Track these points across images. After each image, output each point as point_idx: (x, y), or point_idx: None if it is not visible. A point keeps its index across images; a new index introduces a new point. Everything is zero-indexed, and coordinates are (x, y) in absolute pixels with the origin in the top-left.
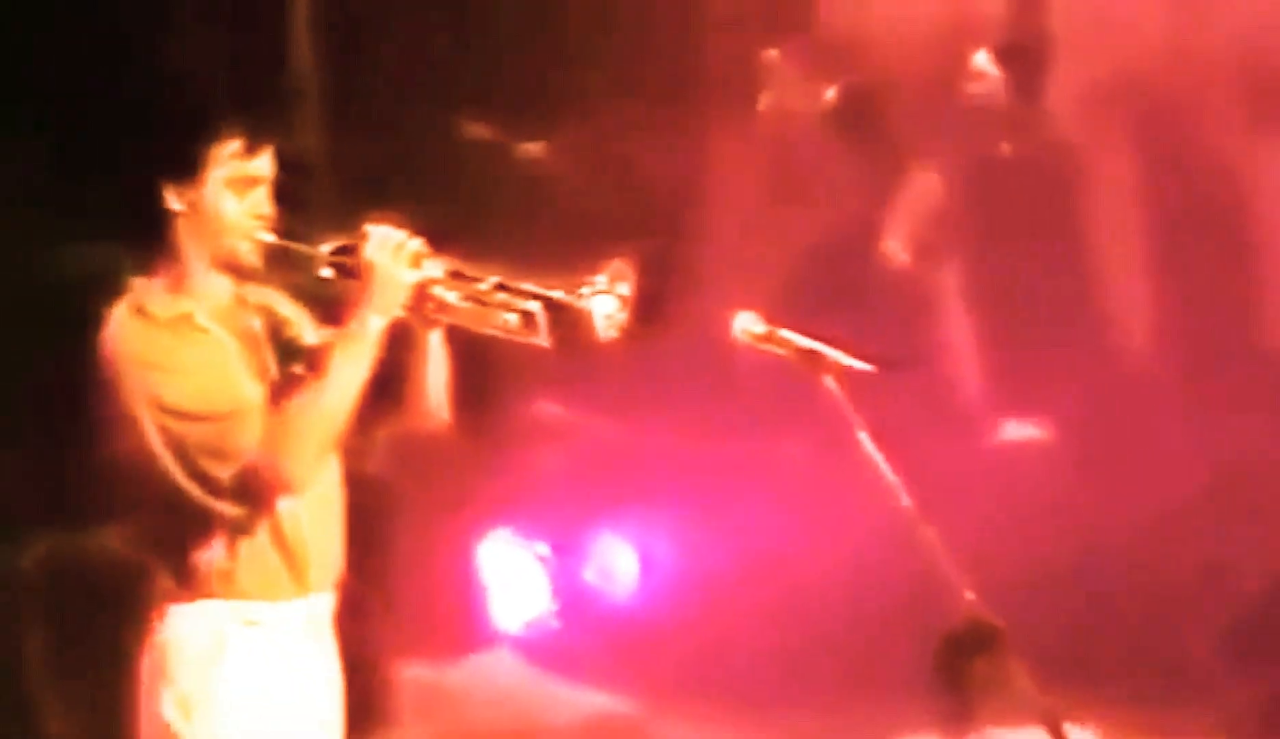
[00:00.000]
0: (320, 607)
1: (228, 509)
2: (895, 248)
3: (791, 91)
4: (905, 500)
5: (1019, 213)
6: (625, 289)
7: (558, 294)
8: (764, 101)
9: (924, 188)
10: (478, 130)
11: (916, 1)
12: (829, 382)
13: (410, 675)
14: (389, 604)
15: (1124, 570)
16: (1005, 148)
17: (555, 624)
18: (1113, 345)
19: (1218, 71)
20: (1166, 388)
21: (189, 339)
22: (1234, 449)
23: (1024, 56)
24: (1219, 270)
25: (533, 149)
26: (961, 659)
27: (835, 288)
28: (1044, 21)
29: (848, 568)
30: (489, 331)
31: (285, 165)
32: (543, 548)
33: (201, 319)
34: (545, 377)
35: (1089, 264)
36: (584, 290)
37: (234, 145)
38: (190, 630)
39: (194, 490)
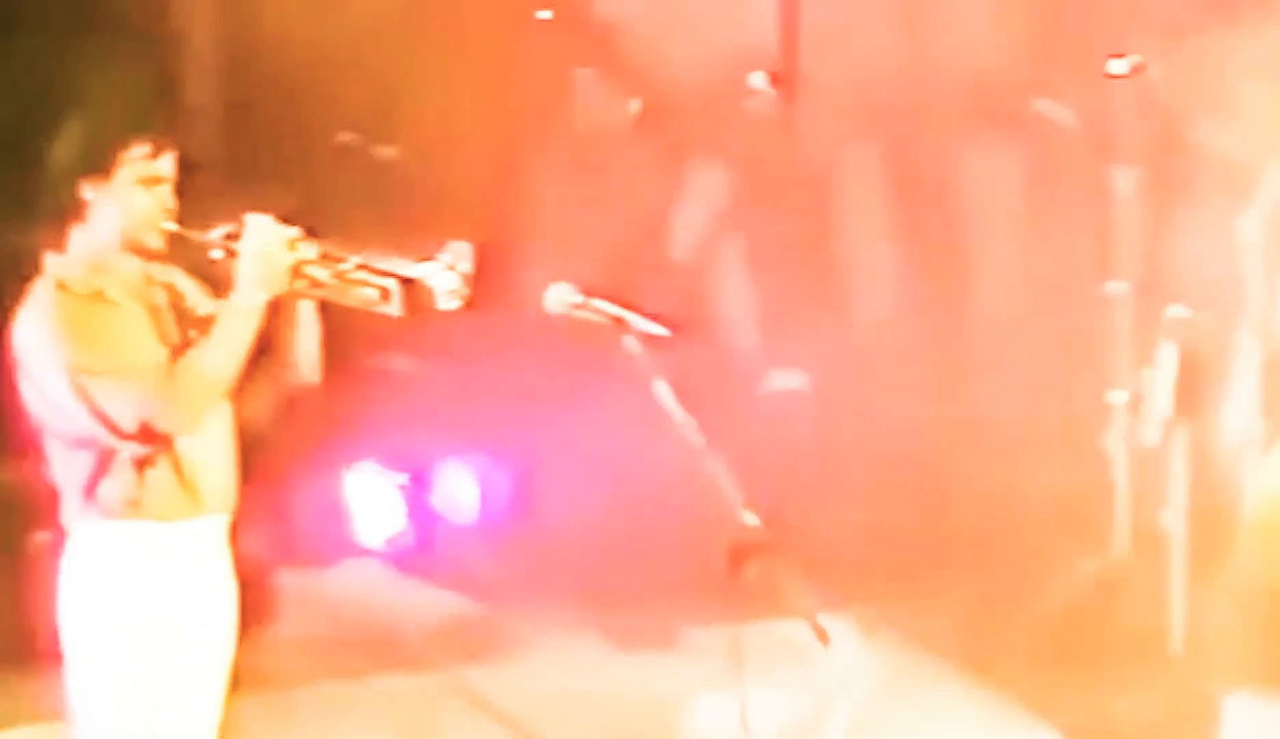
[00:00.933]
0: (214, 526)
1: (133, 448)
2: (687, 232)
3: (602, 105)
4: (695, 438)
5: (784, 203)
6: (463, 267)
7: (407, 272)
8: (579, 114)
9: (709, 183)
10: (344, 137)
11: (703, 33)
12: (631, 342)
13: (291, 581)
14: (274, 524)
15: (867, 490)
16: (773, 150)
17: (410, 540)
18: (857, 310)
19: (940, 86)
20: (900, 345)
21: (102, 309)
22: (951, 394)
23: (788, 77)
24: (942, 248)
25: (388, 152)
26: (741, 564)
27: (637, 265)
28: (802, 45)
29: (649, 493)
30: (353, 303)
31: (185, 166)
32: (400, 478)
33: (113, 293)
34: (400, 339)
35: (839, 244)
36: (429, 268)
37: (142, 149)
38: (100, 549)
39: (104, 433)
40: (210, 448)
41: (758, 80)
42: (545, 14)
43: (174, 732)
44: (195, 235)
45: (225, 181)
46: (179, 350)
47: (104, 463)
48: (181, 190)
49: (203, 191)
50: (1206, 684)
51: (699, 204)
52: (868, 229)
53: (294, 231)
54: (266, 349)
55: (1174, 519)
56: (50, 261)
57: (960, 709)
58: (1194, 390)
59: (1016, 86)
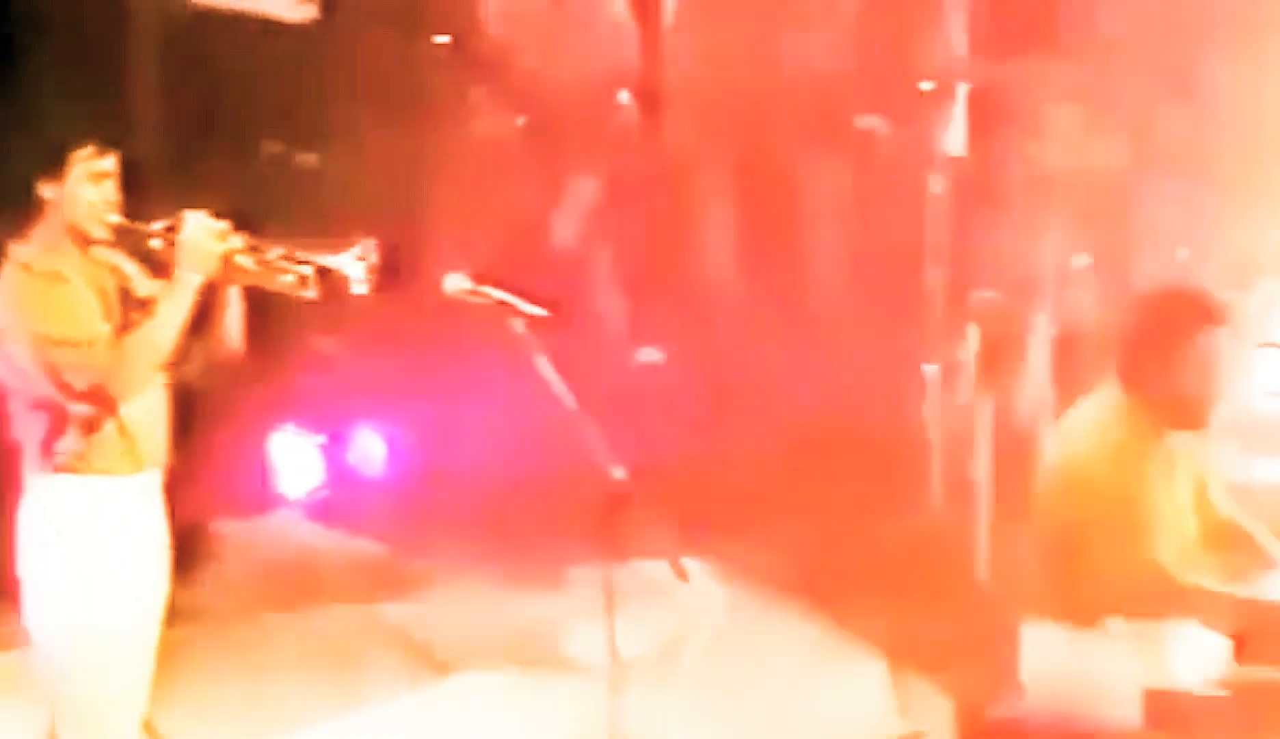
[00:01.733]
0: (152, 480)
1: (82, 409)
2: (564, 229)
3: (492, 119)
4: (571, 404)
5: (647, 202)
6: (370, 259)
7: (322, 262)
8: (473, 126)
9: (583, 186)
10: (270, 145)
11: (579, 57)
12: (516, 322)
13: (223, 529)
14: (206, 478)
15: (719, 447)
16: (637, 157)
17: (327, 492)
18: (710, 294)
19: (783, 101)
20: (747, 325)
21: (58, 288)
22: (790, 366)
23: (650, 94)
24: (784, 241)
25: (309, 160)
26: (612, 513)
27: (521, 257)
28: (663, 68)
29: (532, 453)
30: (275, 288)
31: (129, 165)
32: (318, 439)
33: (66, 273)
34: (320, 319)
35: (695, 237)
36: (341, 259)
37: (90, 151)
38: (53, 498)
39: (58, 396)
40: (149, 411)
41: (624, 97)
42: (443, 39)
43: (117, 658)
44: (139, 227)
45: (167, 183)
46: (124, 325)
47: (58, 423)
48: (127, 189)
49: (148, 192)
50: (1008, 613)
51: (575, 204)
52: (720, 224)
53: (224, 225)
54: (199, 325)
55: (980, 471)
56: (14, 248)
57: (797, 635)
58: (997, 362)
59: (847, 102)
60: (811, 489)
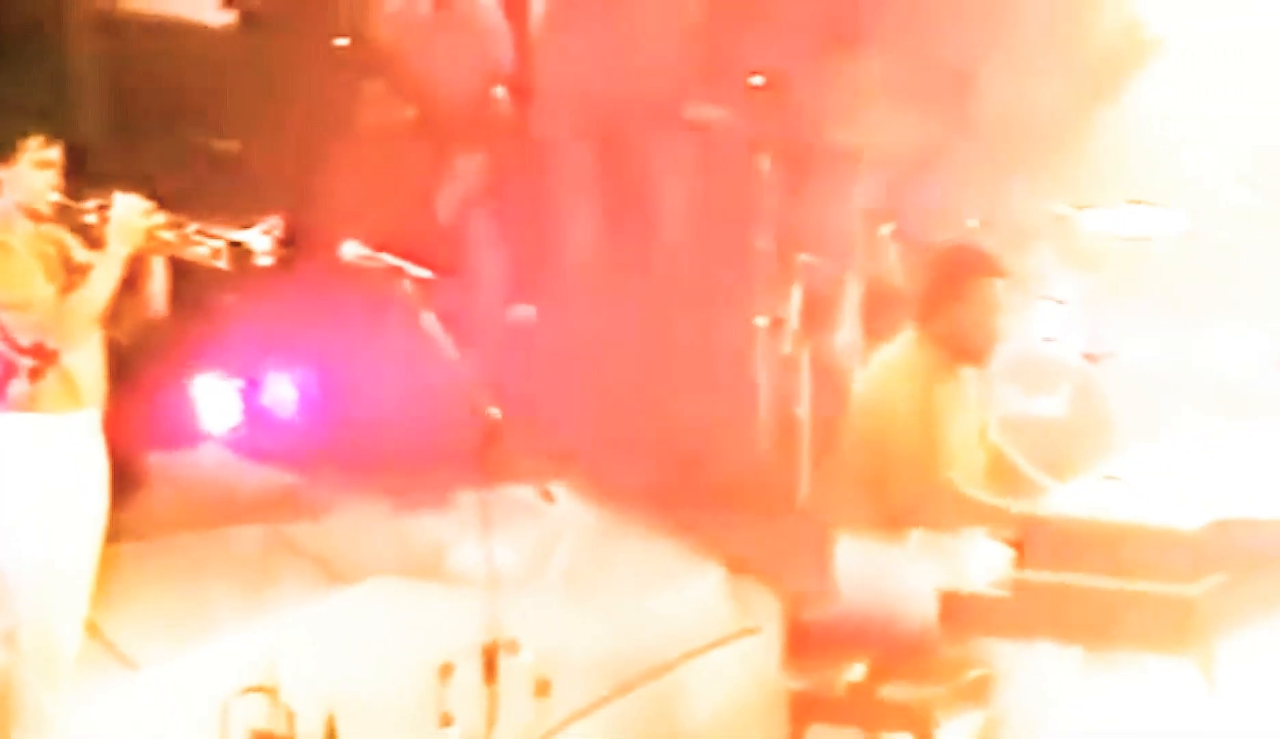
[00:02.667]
0: (92, 418)
1: (29, 360)
2: (447, 204)
3: (385, 110)
4: (453, 354)
5: (520, 182)
6: (276, 233)
7: (233, 236)
8: (369, 116)
9: (465, 167)
10: (194, 134)
11: (460, 56)
12: (406, 284)
13: (154, 460)
14: (139, 417)
15: (581, 389)
16: (512, 143)
17: (245, 429)
18: (573, 260)
19: (636, 95)
20: (604, 286)
21: (8, 257)
22: (642, 321)
23: (523, 89)
24: (637, 214)
25: (228, 146)
26: (489, 445)
27: (411, 229)
28: (533, 66)
29: (421, 394)
30: (193, 258)
31: (71, 153)
32: (236, 383)
33: (15, 244)
34: (237, 281)
35: (561, 210)
36: (250, 234)
37: (38, 141)
38: (5, 433)
39: (7, 349)
40: (87, 359)
41: (500, 92)
42: (343, 41)
43: (63, 569)
44: (77, 205)
45: (103, 168)
46: (64, 288)
47: (9, 371)
48: (69, 174)
49: (86, 176)
50: (825, 528)
51: (456, 183)
52: (581, 199)
53: (149, 205)
54: (129, 288)
55: (802, 408)
56: None
57: (648, 548)
58: (816, 316)
59: (689, 94)
60: (660, 424)
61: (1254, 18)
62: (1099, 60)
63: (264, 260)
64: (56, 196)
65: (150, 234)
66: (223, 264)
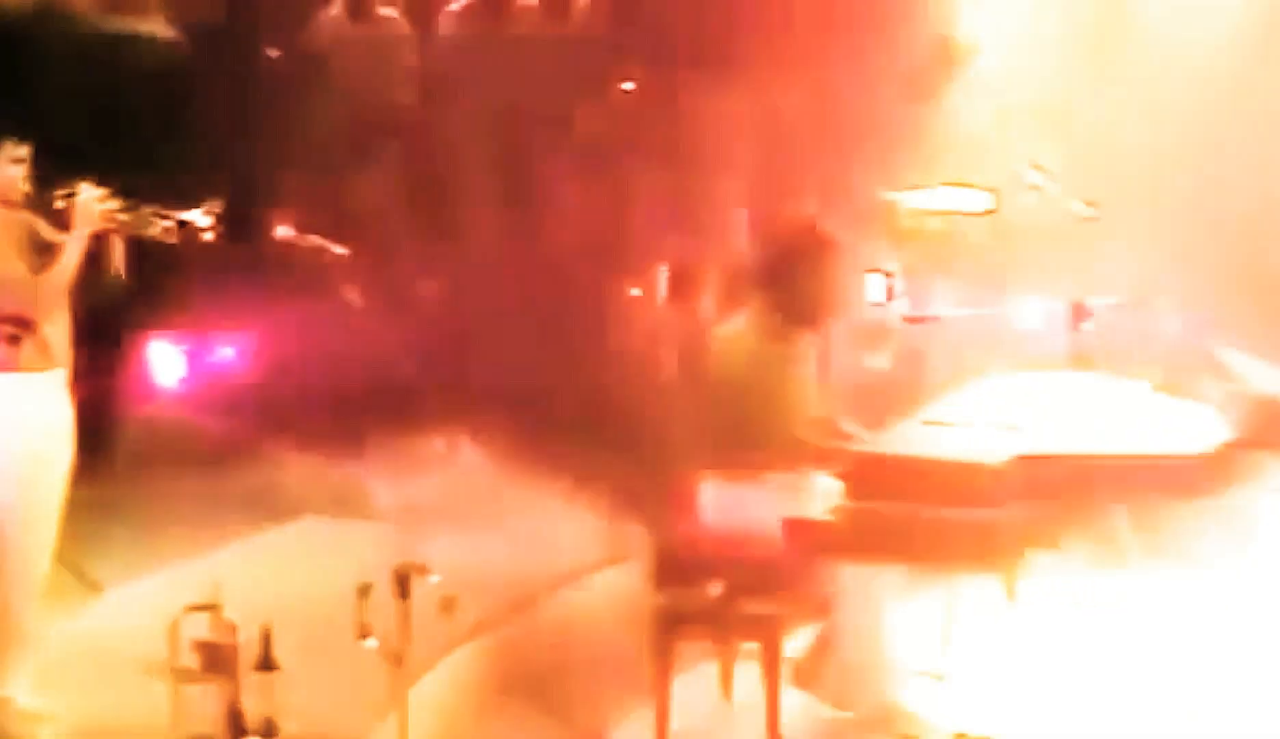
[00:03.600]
0: (61, 376)
1: (8, 328)
2: (366, 192)
3: (314, 111)
4: (370, 319)
5: (430, 172)
6: (216, 214)
7: (181, 216)
8: (300, 116)
9: (382, 160)
10: (148, 131)
11: (374, 61)
12: (328, 258)
13: (116, 411)
14: (103, 374)
15: (482, 349)
16: (423, 137)
17: (192, 384)
18: (473, 241)
19: (522, 109)
20: (499, 261)
21: None
22: (530, 289)
23: (430, 89)
24: (529, 198)
25: (178, 145)
26: (403, 401)
27: (334, 216)
28: (439, 70)
29: (341, 355)
30: (147, 235)
31: (43, 150)
32: (184, 346)
33: None
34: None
35: (464, 197)
36: (195, 214)
37: (11, 141)
38: None
39: None
40: (57, 325)
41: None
42: (276, 53)
43: (36, 506)
44: (48, 194)
45: (70, 163)
46: (37, 265)
47: None
48: (41, 167)
49: (56, 169)
50: (690, 469)
51: (374, 174)
52: (481, 187)
53: (105, 193)
54: (94, 263)
55: (669, 367)
56: None
57: (540, 490)
58: (681, 288)
59: (571, 99)
60: (549, 382)
61: (1048, 25)
62: (921, 66)
63: (206, 236)
64: (27, 186)
65: (109, 216)
66: (173, 240)
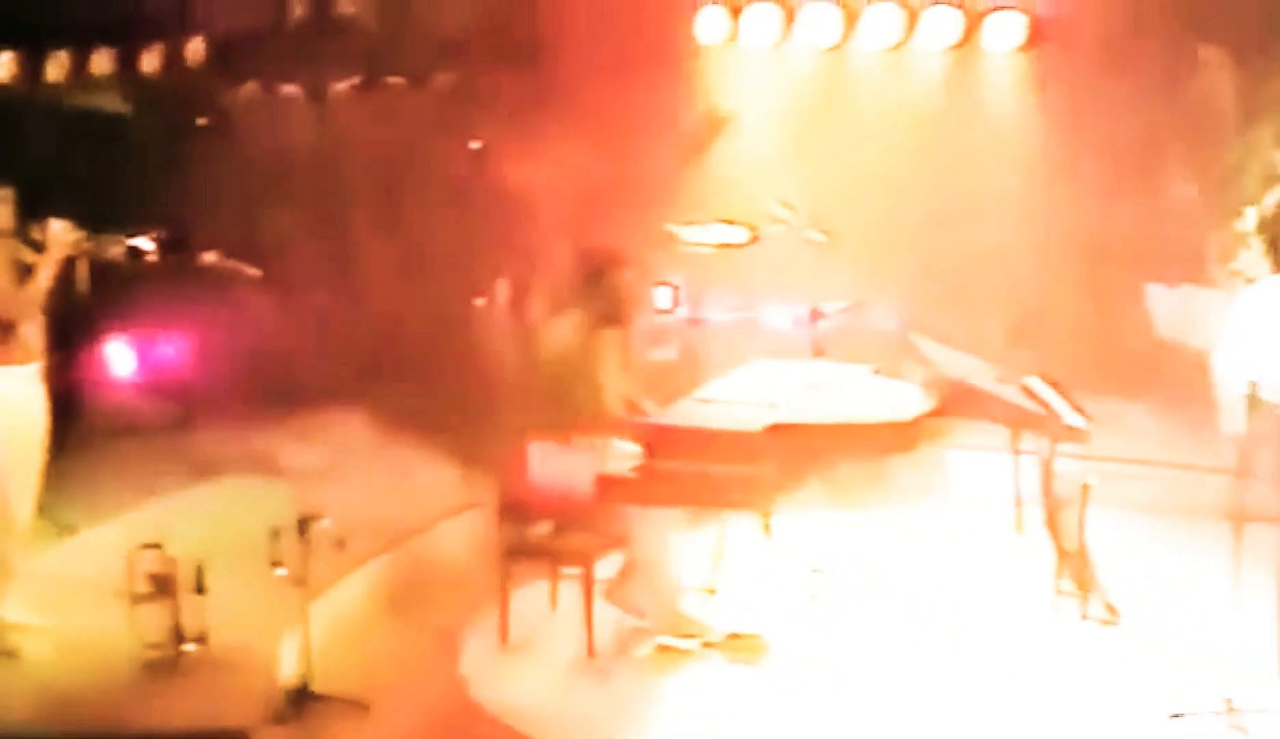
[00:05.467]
0: (37, 368)
1: None
2: (274, 227)
3: (233, 165)
4: (277, 323)
5: (317, 209)
6: (157, 238)
7: (132, 242)
8: (220, 168)
9: (284, 203)
10: (107, 174)
11: (281, 127)
12: (245, 278)
13: (80, 396)
14: (71, 367)
15: (358, 345)
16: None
17: (143, 375)
18: (355, 261)
19: (405, 152)
20: (376, 276)
21: None
22: (396, 289)
23: (324, 157)
24: (396, 226)
25: (133, 186)
26: (302, 385)
27: (251, 243)
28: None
29: (255, 352)
30: (105, 257)
31: (24, 193)
32: (133, 344)
33: None
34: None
35: (349, 231)
36: (141, 241)
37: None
38: None
39: None
40: (34, 328)
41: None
42: (204, 122)
43: (20, 471)
44: (27, 227)
45: (45, 201)
46: (18, 281)
47: None
48: (22, 205)
49: (34, 206)
50: (523, 436)
51: (281, 213)
52: (362, 222)
53: (72, 224)
54: (61, 281)
55: (507, 358)
56: None
57: (411, 453)
58: (517, 297)
59: (435, 154)
60: (417, 370)
61: (788, 96)
62: (694, 131)
63: (150, 259)
64: (11, 221)
65: (75, 243)
66: (125, 261)
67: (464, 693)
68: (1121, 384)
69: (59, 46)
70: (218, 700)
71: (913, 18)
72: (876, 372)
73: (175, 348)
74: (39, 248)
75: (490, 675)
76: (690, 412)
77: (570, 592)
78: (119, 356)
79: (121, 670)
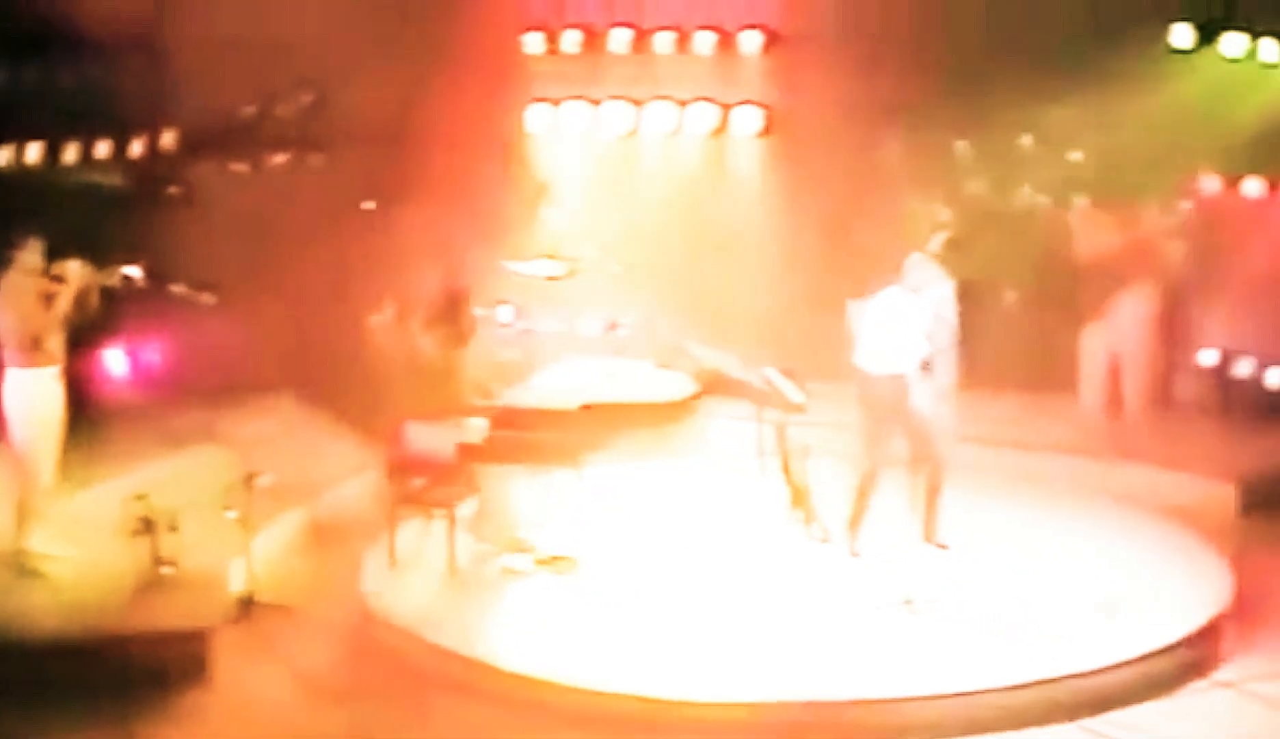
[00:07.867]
0: (56, 370)
1: (29, 342)
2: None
3: (196, 217)
4: (224, 333)
5: (258, 252)
6: (144, 271)
7: (125, 271)
8: (184, 219)
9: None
10: (108, 233)
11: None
12: (201, 301)
13: (90, 391)
14: (82, 369)
15: (289, 354)
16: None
17: (130, 374)
18: (296, 272)
19: (314, 208)
20: (302, 296)
21: (24, 296)
22: (309, 315)
23: (261, 205)
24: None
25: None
26: (239, 376)
27: (205, 276)
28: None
29: (209, 357)
30: (110, 284)
31: (50, 244)
32: (126, 350)
33: (27, 288)
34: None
35: (277, 267)
36: (131, 271)
37: (33, 241)
38: (16, 378)
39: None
40: (56, 340)
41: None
42: (175, 190)
43: (44, 451)
44: (52, 267)
45: (65, 249)
46: (44, 306)
47: (23, 347)
48: (49, 252)
49: (57, 253)
50: (404, 418)
51: (231, 254)
52: (290, 262)
53: (83, 262)
54: (77, 303)
55: (380, 370)
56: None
57: (325, 429)
58: (402, 317)
59: (339, 217)
60: (329, 368)
61: (590, 166)
62: (524, 192)
63: (140, 285)
64: (41, 263)
65: (87, 276)
66: (120, 287)
67: (364, 601)
68: (832, 370)
69: (71, 138)
70: (188, 608)
71: (682, 109)
72: (659, 365)
73: (155, 353)
74: (60, 281)
75: (383, 588)
76: (525, 396)
77: (439, 527)
78: (115, 360)
79: (119, 587)
